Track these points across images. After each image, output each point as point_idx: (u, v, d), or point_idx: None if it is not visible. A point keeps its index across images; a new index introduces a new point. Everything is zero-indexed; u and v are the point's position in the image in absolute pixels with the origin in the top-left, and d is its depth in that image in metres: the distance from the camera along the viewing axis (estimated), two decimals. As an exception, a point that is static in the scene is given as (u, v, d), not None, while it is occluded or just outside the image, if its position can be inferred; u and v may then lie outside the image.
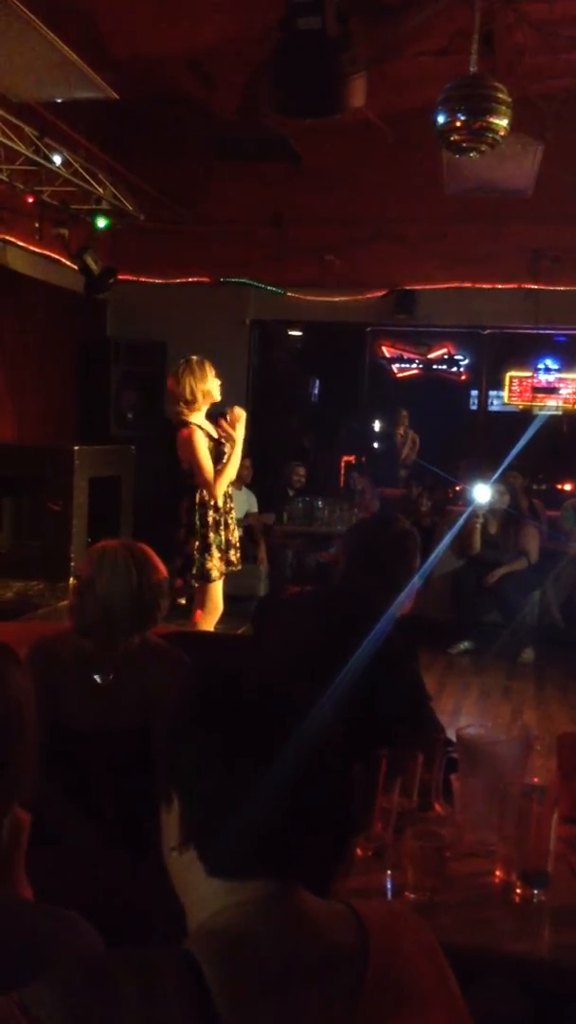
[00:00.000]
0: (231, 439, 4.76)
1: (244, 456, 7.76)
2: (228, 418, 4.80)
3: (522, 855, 1.79)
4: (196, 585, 4.76)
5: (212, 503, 4.73)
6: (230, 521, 4.86)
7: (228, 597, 5.89)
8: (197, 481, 4.68)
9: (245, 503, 7.90)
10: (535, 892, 1.77)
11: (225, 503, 4.82)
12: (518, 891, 1.78)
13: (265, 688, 1.11)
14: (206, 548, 4.71)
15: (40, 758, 2.49)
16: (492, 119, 4.77)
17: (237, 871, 1.02)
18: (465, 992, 1.60)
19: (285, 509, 8.32)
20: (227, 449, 4.78)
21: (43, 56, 4.96)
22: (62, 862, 2.17)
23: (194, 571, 4.71)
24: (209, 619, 4.82)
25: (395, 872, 1.79)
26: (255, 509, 8.03)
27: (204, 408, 4.75)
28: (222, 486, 4.72)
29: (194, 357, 4.76)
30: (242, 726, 1.05)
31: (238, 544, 4.91)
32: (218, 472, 4.70)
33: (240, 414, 4.80)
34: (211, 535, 4.73)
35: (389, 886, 1.77)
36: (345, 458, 9.77)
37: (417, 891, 1.75)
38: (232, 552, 4.86)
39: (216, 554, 4.74)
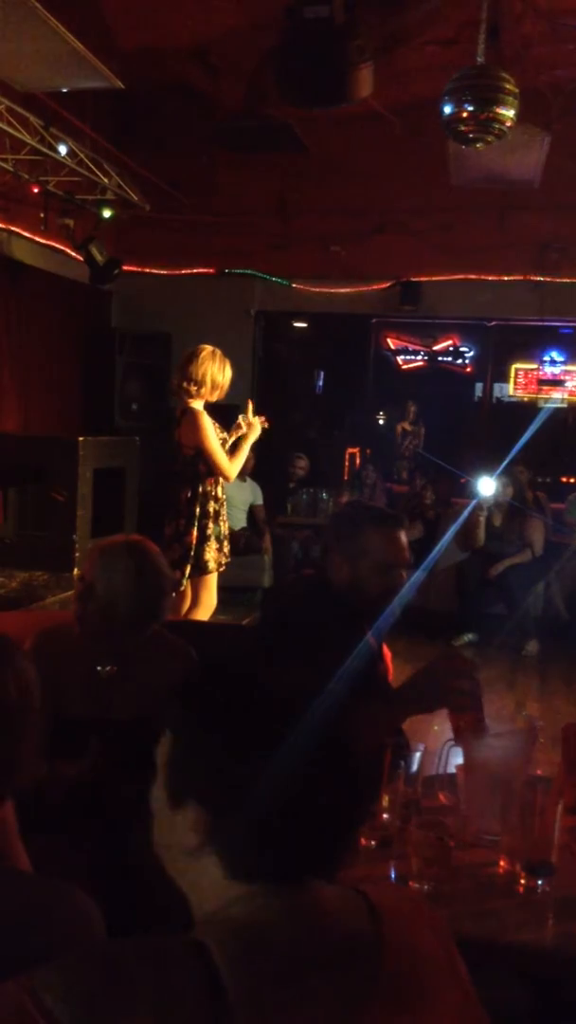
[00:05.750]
0: (246, 429, 4.75)
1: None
2: (245, 417, 4.78)
3: (526, 845, 1.80)
4: (191, 579, 4.67)
5: (213, 493, 4.68)
6: (225, 513, 4.83)
7: (232, 588, 5.87)
8: (208, 466, 4.61)
9: (250, 494, 7.89)
10: (539, 882, 1.78)
11: (223, 495, 4.79)
12: (522, 881, 1.79)
13: (258, 678, 1.10)
14: (205, 539, 4.65)
15: (43, 747, 2.49)
16: (499, 109, 4.76)
17: (254, 872, 1.01)
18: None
19: (289, 501, 8.31)
20: (230, 440, 4.76)
21: (49, 45, 4.95)
22: (63, 849, 2.18)
23: (192, 562, 4.66)
24: (204, 613, 4.75)
25: (400, 862, 1.79)
26: (259, 501, 8.02)
27: (206, 400, 4.71)
28: (235, 470, 4.69)
29: (219, 350, 4.73)
30: (244, 720, 1.04)
31: (228, 537, 4.89)
32: (231, 456, 4.67)
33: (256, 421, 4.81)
34: (210, 525, 4.68)
35: (394, 876, 1.78)
36: (350, 450, 9.76)
37: (421, 881, 1.76)
38: (226, 544, 4.83)
39: (214, 545, 4.69)
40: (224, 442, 4.72)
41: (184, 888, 1.05)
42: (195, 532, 4.64)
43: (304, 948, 0.97)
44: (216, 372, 4.64)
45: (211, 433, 4.58)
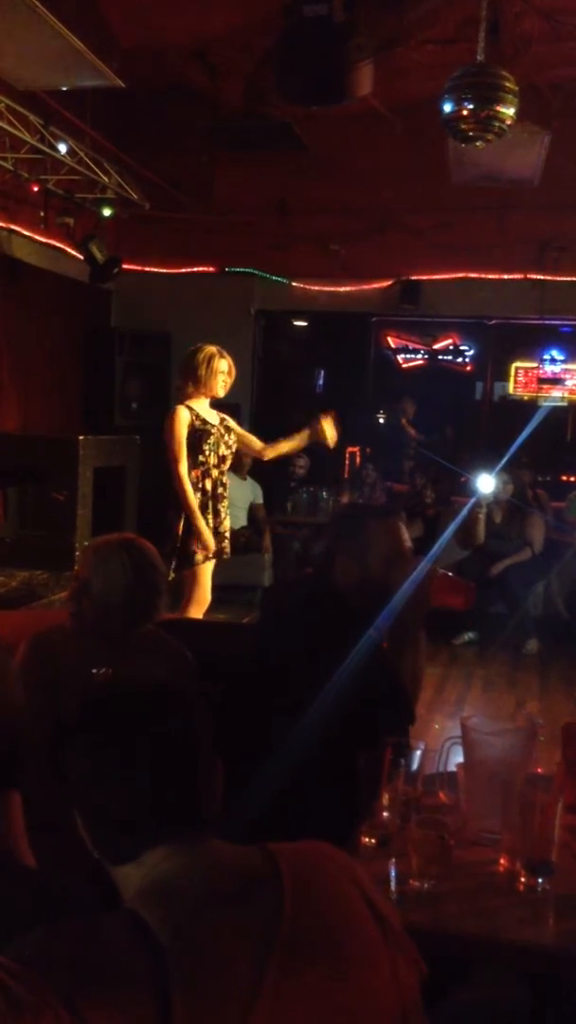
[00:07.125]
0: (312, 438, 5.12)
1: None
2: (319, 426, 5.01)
3: (527, 844, 1.79)
4: (178, 572, 4.65)
5: (200, 486, 4.66)
6: (220, 508, 4.78)
7: (231, 587, 5.84)
8: (166, 456, 4.62)
9: (250, 493, 7.89)
10: (539, 881, 1.78)
11: (215, 488, 4.76)
12: (522, 879, 1.79)
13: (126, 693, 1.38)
14: (191, 531, 4.66)
15: (43, 751, 2.50)
16: (499, 108, 4.75)
17: (128, 854, 1.19)
18: (469, 980, 1.61)
19: (289, 499, 8.32)
20: (228, 440, 4.75)
21: (49, 44, 4.95)
22: (63, 847, 2.18)
23: (178, 554, 4.63)
24: (197, 608, 4.74)
25: (400, 860, 1.79)
26: (259, 499, 8.02)
27: (210, 396, 4.72)
28: (185, 478, 4.59)
29: (219, 347, 4.73)
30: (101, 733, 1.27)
31: (228, 534, 4.86)
32: (200, 457, 4.65)
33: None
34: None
35: (393, 874, 1.78)
36: (350, 449, 9.76)
37: (422, 879, 1.76)
38: (226, 540, 4.81)
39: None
40: (222, 434, 4.72)
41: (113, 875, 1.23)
42: (182, 524, 4.62)
43: (210, 889, 1.15)
44: (216, 369, 4.64)
45: (178, 432, 4.57)
